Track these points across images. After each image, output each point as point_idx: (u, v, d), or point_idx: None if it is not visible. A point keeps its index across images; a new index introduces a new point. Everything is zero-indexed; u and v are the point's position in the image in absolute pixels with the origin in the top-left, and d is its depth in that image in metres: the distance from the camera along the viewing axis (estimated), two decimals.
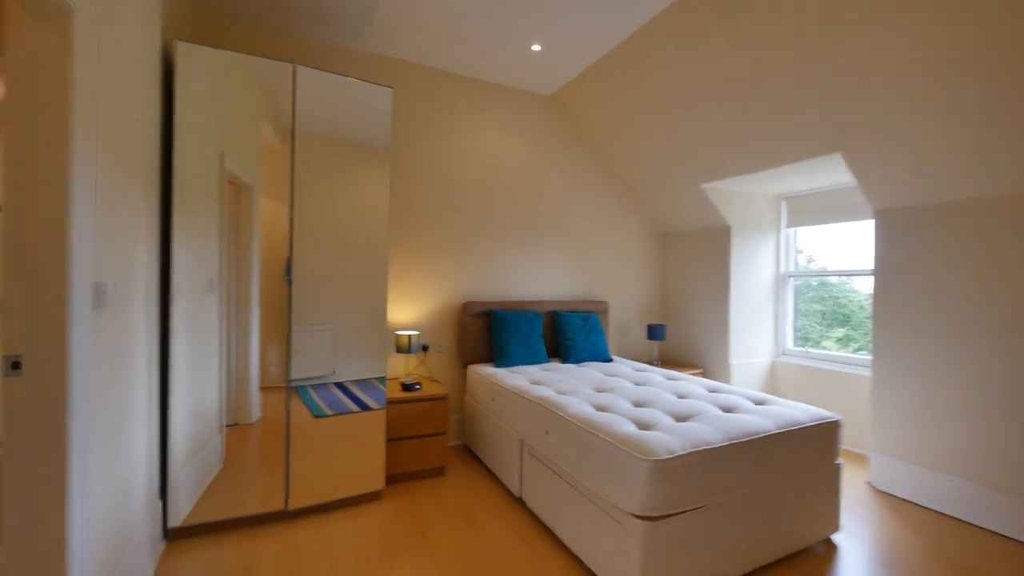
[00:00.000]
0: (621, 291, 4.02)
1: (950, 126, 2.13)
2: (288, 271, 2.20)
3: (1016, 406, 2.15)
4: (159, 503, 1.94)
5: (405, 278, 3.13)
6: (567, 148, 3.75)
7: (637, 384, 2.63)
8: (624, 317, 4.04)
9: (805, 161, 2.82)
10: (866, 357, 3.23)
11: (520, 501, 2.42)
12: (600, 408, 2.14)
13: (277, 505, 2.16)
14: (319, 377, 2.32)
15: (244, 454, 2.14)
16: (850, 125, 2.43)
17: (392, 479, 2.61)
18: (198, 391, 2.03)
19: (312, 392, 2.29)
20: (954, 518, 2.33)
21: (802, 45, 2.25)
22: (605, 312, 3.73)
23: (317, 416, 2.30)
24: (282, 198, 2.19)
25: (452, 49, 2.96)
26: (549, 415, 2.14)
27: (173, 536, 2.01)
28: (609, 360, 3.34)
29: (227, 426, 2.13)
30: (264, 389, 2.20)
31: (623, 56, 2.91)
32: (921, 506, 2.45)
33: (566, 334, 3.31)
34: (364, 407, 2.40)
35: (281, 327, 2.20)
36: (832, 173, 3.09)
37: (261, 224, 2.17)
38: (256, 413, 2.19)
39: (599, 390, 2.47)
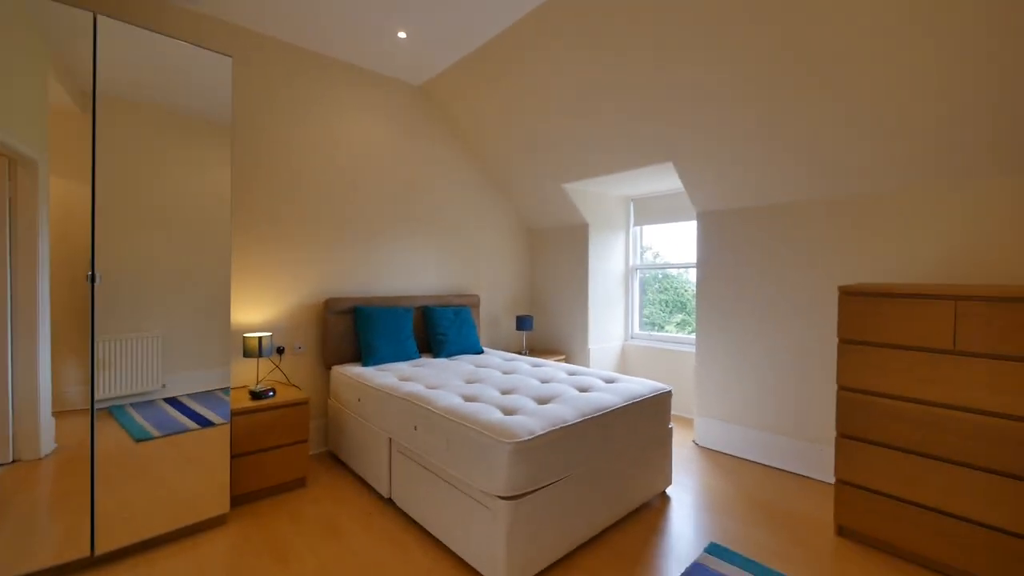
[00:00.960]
0: (491, 284, 4.13)
1: (747, 148, 2.62)
2: (91, 267, 1.81)
3: (798, 370, 2.74)
4: None
5: (254, 273, 2.80)
6: (438, 140, 3.72)
7: (505, 373, 2.73)
8: (495, 310, 4.16)
9: (645, 168, 3.22)
10: (693, 337, 3.83)
11: (390, 502, 2.35)
12: (469, 399, 2.18)
13: (81, 552, 1.77)
14: (144, 393, 1.96)
15: (28, 496, 1.70)
16: (679, 139, 2.83)
17: (241, 499, 2.33)
18: None
19: (133, 412, 1.93)
20: (758, 463, 2.88)
21: (644, 64, 2.55)
22: (476, 305, 3.81)
23: (140, 440, 1.94)
24: (84, 177, 1.79)
25: (306, 24, 2.72)
26: (418, 410, 2.11)
27: None
28: (480, 352, 3.42)
29: (1, 464, 1.67)
30: (61, 414, 1.78)
31: (489, 54, 2.98)
32: (734, 456, 2.99)
33: (438, 329, 3.29)
34: (205, 423, 2.09)
35: (85, 336, 1.80)
36: (669, 179, 3.57)
37: (53, 208, 1.74)
38: (48, 445, 1.76)
39: (469, 381, 2.52)
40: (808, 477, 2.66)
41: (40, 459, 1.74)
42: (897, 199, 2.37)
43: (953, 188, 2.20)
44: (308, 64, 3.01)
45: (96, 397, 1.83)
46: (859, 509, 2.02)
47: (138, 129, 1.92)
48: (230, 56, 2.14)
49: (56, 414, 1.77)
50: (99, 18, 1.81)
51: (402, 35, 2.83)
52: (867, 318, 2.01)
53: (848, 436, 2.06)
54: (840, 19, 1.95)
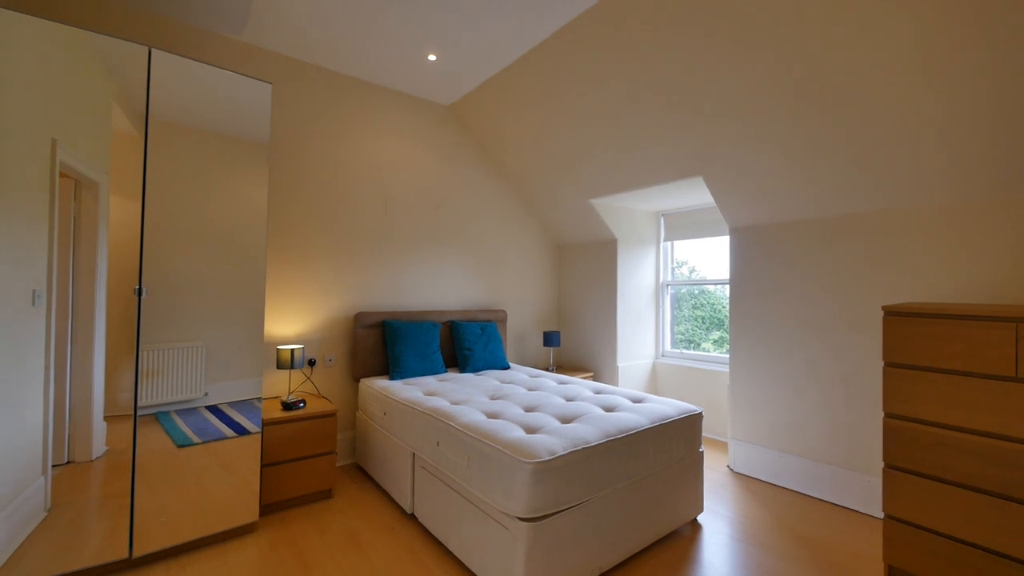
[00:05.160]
0: (519, 300, 4.13)
1: (780, 160, 2.53)
2: (139, 281, 1.93)
3: (841, 394, 2.58)
4: None
5: (288, 287, 2.91)
6: (467, 158, 3.79)
7: (530, 390, 2.71)
8: (522, 325, 4.15)
9: (675, 182, 3.16)
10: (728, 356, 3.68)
11: (412, 517, 2.35)
12: (492, 415, 2.17)
13: (120, 553, 1.86)
14: (187, 401, 2.06)
15: (79, 497, 1.81)
16: (710, 153, 2.77)
17: (271, 508, 2.39)
18: (11, 426, 1.68)
19: (177, 418, 2.03)
20: (799, 492, 2.71)
21: (671, 78, 2.53)
22: (503, 321, 3.81)
23: (181, 445, 2.03)
24: (140, 196, 1.94)
25: (341, 50, 2.86)
26: (440, 426, 2.11)
27: None
28: (507, 368, 3.41)
29: (57, 465, 1.79)
30: (112, 419, 1.90)
31: (516, 73, 3.03)
32: (772, 484, 2.83)
33: (464, 344, 3.31)
34: (241, 431, 2.18)
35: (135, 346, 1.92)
36: (700, 194, 3.49)
37: (112, 226, 1.89)
38: (99, 448, 1.88)
39: (493, 398, 2.51)
40: (854, 510, 2.48)
41: (91, 461, 1.85)
42: (945, 213, 2.22)
43: (1010, 201, 2.04)
44: (343, 88, 3.15)
45: (143, 403, 1.94)
46: (911, 548, 1.86)
47: (185, 151, 2.06)
48: (270, 82, 2.28)
49: (108, 418, 1.88)
50: (153, 51, 1.96)
51: (432, 57, 2.92)
52: (915, 340, 1.87)
53: (896, 467, 1.91)
54: (878, 22, 1.87)
